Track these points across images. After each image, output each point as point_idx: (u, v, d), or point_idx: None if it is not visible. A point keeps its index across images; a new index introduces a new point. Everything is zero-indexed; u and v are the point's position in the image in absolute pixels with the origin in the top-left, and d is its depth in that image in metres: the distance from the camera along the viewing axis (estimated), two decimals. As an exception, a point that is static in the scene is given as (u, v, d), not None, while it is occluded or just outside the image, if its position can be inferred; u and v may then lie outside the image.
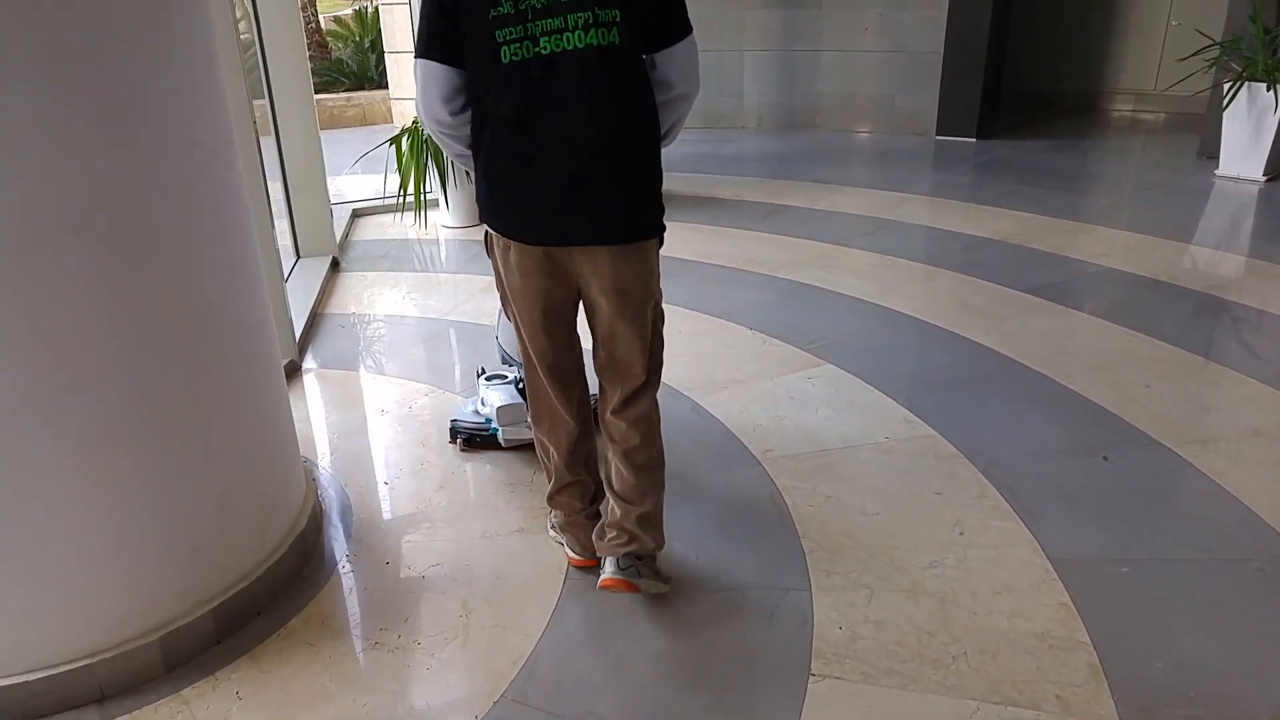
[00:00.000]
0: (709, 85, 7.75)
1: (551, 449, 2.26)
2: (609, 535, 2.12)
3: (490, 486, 2.70)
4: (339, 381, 3.46)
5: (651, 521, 2.12)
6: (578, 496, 2.28)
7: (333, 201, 5.75)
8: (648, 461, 2.13)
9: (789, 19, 7.57)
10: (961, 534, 2.37)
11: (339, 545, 2.46)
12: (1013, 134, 7.45)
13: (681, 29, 1.91)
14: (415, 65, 1.94)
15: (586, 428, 2.26)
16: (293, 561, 2.32)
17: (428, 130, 2.04)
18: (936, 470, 2.67)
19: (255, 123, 3.25)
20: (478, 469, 2.80)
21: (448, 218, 5.34)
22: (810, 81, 7.69)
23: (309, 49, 10.38)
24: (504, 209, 1.96)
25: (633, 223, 1.97)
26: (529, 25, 1.79)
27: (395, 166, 5.05)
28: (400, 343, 3.83)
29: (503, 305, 2.23)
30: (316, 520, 2.49)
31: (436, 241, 5.25)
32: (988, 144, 7.13)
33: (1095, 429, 2.87)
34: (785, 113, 7.86)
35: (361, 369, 3.56)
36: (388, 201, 5.46)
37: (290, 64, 4.45)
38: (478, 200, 2.03)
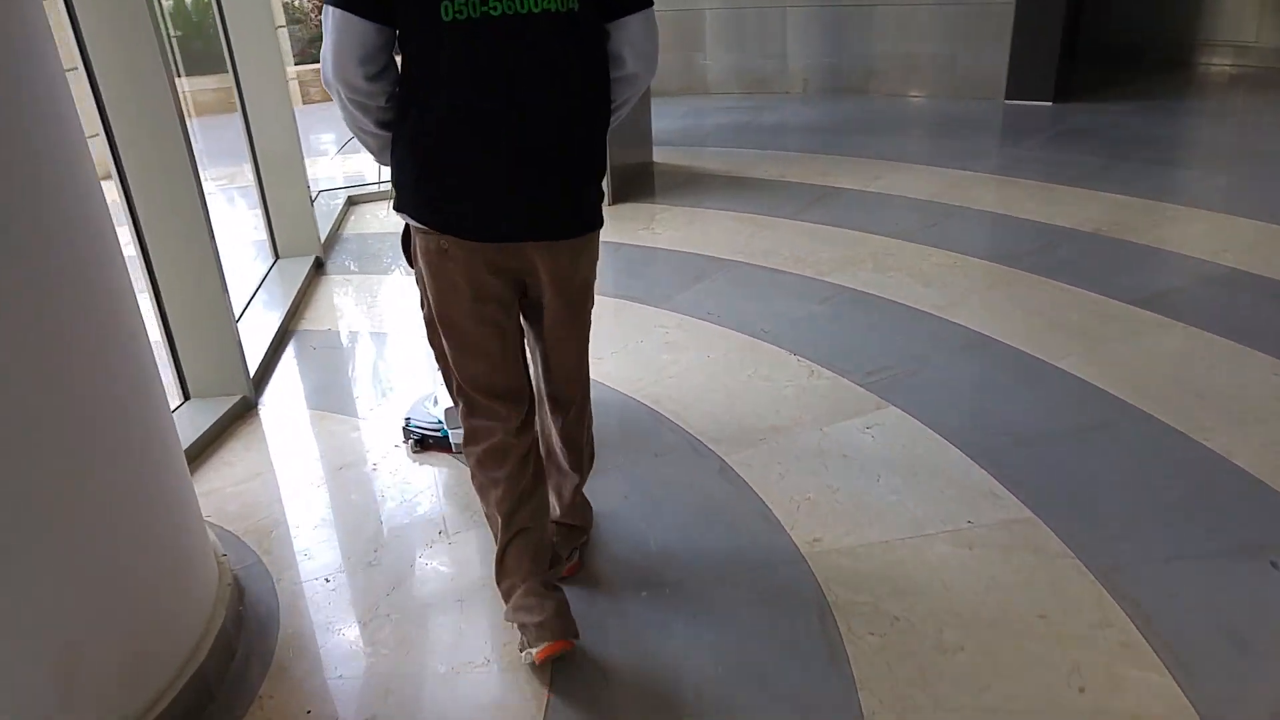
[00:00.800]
0: (748, 46, 7.01)
1: (493, 490, 1.88)
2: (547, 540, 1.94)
3: (459, 587, 2.11)
4: (297, 425, 2.89)
5: (585, 507, 2.14)
6: (529, 554, 1.86)
7: (323, 188, 5.18)
8: (581, 439, 2.02)
9: (838, -31, 6.77)
10: (1082, 690, 1.72)
11: (253, 679, 1.89)
12: (1094, 96, 6.59)
13: (638, 0, 1.66)
14: (326, 13, 1.56)
15: (537, 460, 1.92)
16: (187, 707, 1.75)
17: (332, 94, 1.66)
18: (1039, 577, 2.01)
19: (182, 106, 2.66)
20: (445, 559, 2.21)
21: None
22: (862, 40, 6.88)
23: (302, 12, 9.79)
24: (441, 198, 1.65)
25: (585, 213, 1.73)
26: None
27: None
28: (381, 371, 3.25)
29: (427, 327, 1.84)
30: (226, 646, 1.92)
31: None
32: (1065, 109, 6.29)
33: (1257, 518, 2.18)
34: (834, 76, 7.06)
35: (326, 408, 2.98)
36: (386, 186, 4.85)
37: (257, 30, 3.82)
38: (396, 186, 1.69)
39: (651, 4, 1.70)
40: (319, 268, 4.14)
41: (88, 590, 1.57)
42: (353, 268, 4.25)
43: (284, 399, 3.03)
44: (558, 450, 2.02)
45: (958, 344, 3.10)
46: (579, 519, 2.14)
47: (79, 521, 1.54)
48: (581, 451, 2.04)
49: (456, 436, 2.51)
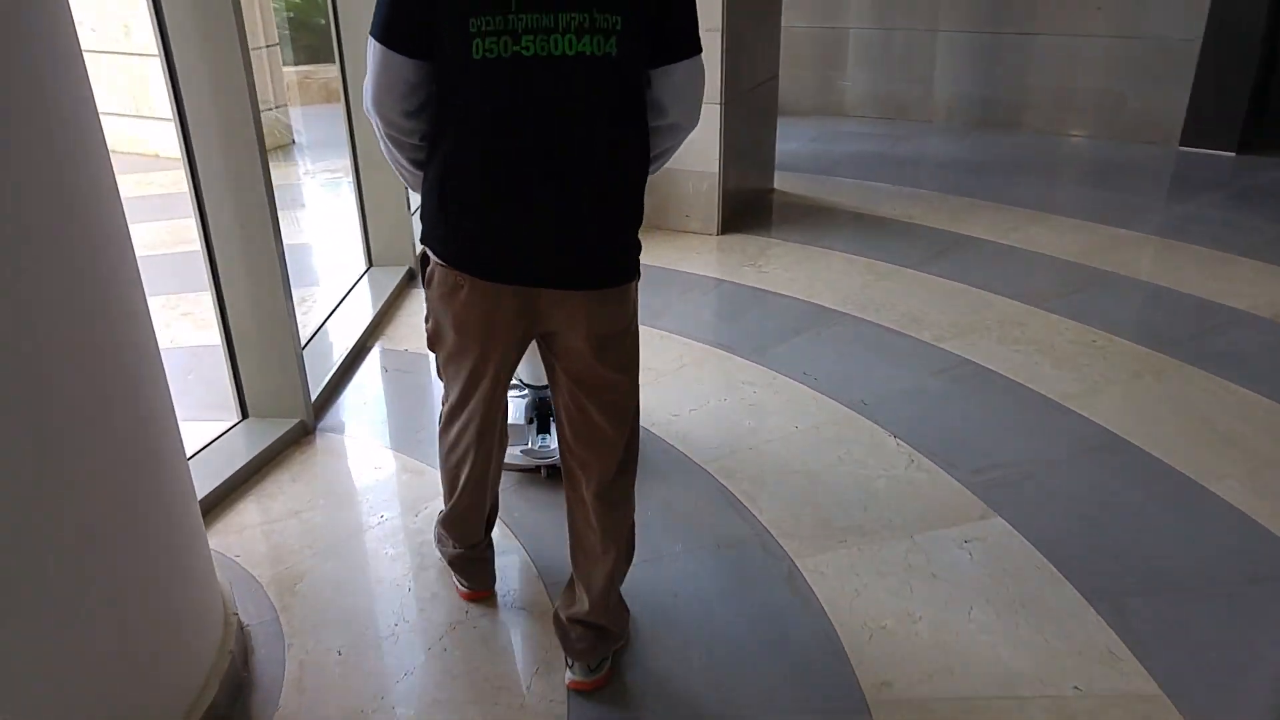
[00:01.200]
0: (892, 69, 6.58)
1: (450, 546, 2.11)
2: (574, 636, 1.86)
3: (473, 684, 1.89)
4: (352, 459, 2.75)
5: (616, 612, 1.90)
6: (473, 523, 2.05)
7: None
8: (613, 571, 1.84)
9: (999, -7, 6.25)
10: None
11: (236, 769, 1.73)
12: (1283, 149, 5.87)
13: (687, 47, 1.58)
14: (369, 47, 1.53)
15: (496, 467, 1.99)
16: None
17: (375, 128, 1.63)
18: (1159, 783, 1.64)
19: (278, 94, 2.57)
20: (467, 645, 1.99)
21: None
22: (1017, 71, 6.33)
23: None
24: (460, 236, 1.59)
25: (620, 265, 1.63)
26: (510, 18, 1.43)
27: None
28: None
29: (432, 350, 1.79)
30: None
31: None
32: (1251, 162, 5.60)
33: None
34: (982, 107, 6.54)
35: (382, 441, 2.83)
36: None
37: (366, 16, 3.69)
38: (422, 219, 1.65)
39: (699, 51, 1.61)
40: (411, 280, 4.03)
41: (56, 647, 1.42)
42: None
43: (345, 426, 2.90)
44: (587, 530, 1.82)
45: (1088, 445, 2.69)
46: (611, 621, 1.88)
47: (56, 566, 1.39)
48: (616, 538, 1.82)
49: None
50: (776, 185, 5.19)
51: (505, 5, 1.42)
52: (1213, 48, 5.59)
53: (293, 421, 2.77)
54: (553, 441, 2.42)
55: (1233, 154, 5.69)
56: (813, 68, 6.71)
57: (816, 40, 6.75)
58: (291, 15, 7.97)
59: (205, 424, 2.74)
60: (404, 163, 1.66)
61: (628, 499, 1.83)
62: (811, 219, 4.73)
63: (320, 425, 2.88)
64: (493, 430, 1.87)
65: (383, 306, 3.68)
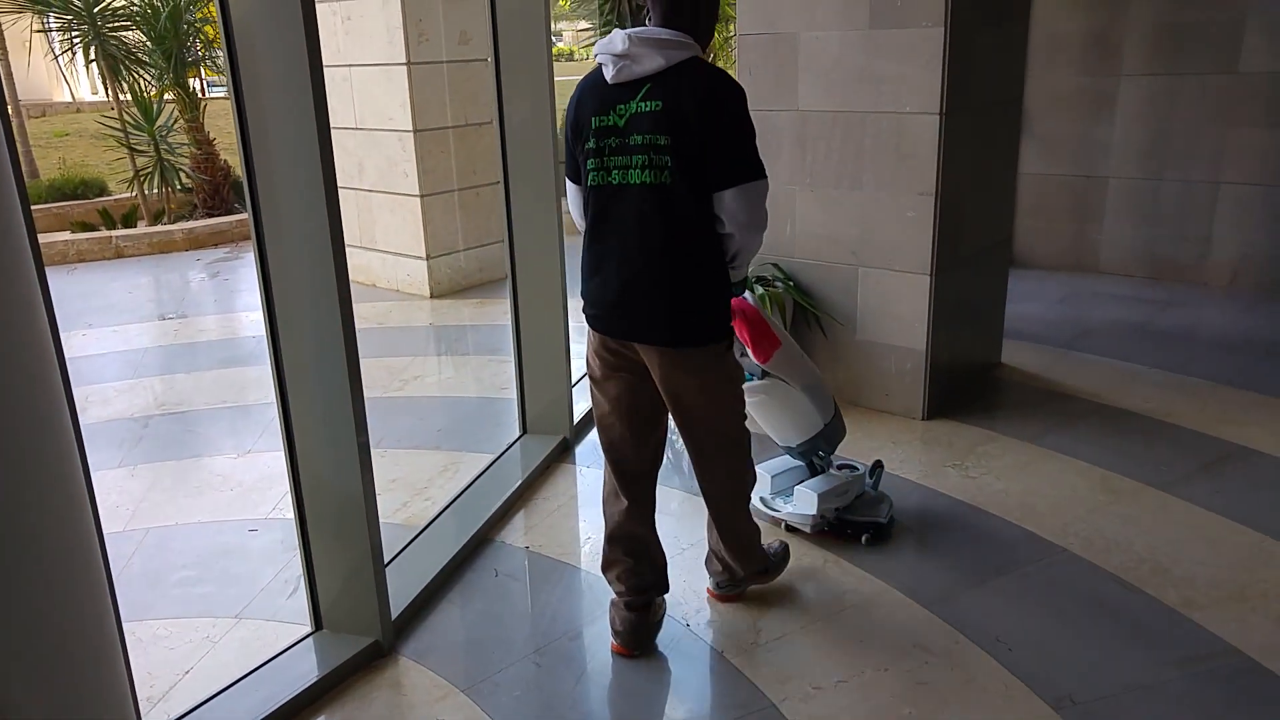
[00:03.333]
0: (1161, 221, 5.75)
1: (605, 528, 2.58)
2: (707, 558, 2.75)
3: None
4: (423, 698, 2.44)
5: (741, 558, 2.63)
6: (616, 576, 2.56)
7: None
8: (733, 526, 2.60)
9: (1300, 141, 5.27)
10: None
11: None
12: None
13: (733, 177, 2.16)
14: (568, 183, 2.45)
15: (641, 518, 2.55)
16: None
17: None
18: None
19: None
20: None
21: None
22: (1324, 232, 5.28)
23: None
24: (585, 299, 2.35)
25: (678, 331, 2.25)
26: (605, 159, 2.22)
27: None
28: (564, 627, 2.78)
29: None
30: None
31: None
32: None
33: None
34: (1274, 273, 5.48)
35: (470, 678, 2.49)
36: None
37: (530, 129, 3.50)
38: None
39: (749, 179, 2.17)
40: (564, 449, 3.83)
41: None
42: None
43: (428, 650, 2.61)
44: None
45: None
46: (736, 561, 2.65)
47: None
48: (720, 528, 2.62)
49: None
50: (1005, 359, 4.55)
51: (603, 152, 2.22)
52: None
53: (367, 641, 2.55)
54: (787, 508, 3.09)
55: None
56: (1064, 219, 5.98)
57: (1067, 189, 6.02)
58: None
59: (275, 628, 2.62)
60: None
61: (732, 493, 2.58)
62: (1043, 407, 4.05)
63: (399, 648, 2.61)
64: (625, 466, 2.52)
65: (515, 489, 3.44)
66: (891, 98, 3.65)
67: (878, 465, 3.21)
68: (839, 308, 4.02)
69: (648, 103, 2.15)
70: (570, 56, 18.54)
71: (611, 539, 2.55)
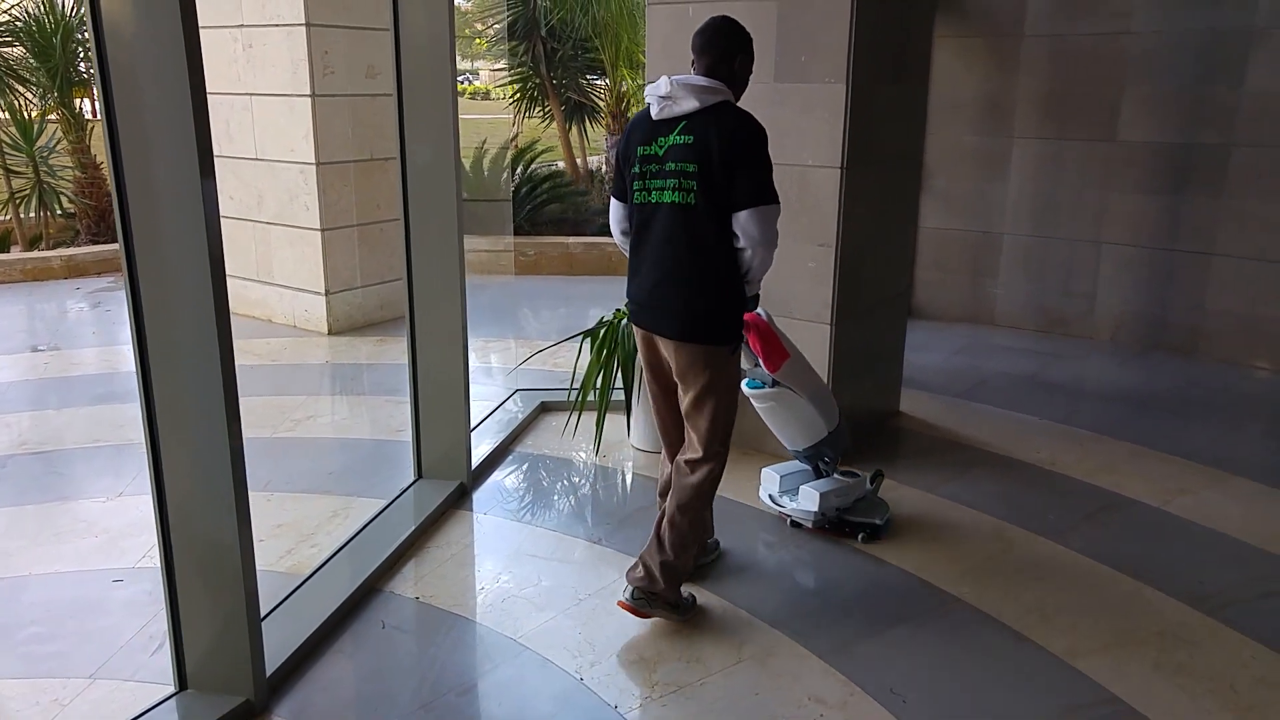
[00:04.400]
0: (1049, 278, 6.02)
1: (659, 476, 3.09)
2: (633, 566, 2.87)
3: None
4: None
5: (665, 570, 2.77)
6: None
7: (521, 386, 4.85)
8: (677, 520, 2.79)
9: (1171, 208, 5.58)
10: None
11: None
12: None
13: (750, 201, 2.57)
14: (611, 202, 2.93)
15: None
16: None
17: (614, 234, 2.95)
18: None
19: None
20: None
21: (640, 433, 4.17)
22: (1193, 292, 5.59)
23: (583, 171, 10.09)
24: (628, 296, 2.85)
25: (686, 328, 2.68)
26: (647, 181, 2.68)
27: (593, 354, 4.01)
28: (449, 683, 2.66)
29: None
30: None
31: (614, 473, 4.05)
32: None
33: None
34: (1152, 329, 5.79)
35: None
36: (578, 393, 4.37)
37: (433, 168, 3.44)
38: None
39: (763, 203, 2.58)
40: (461, 496, 3.71)
41: None
42: (497, 501, 3.72)
43: (305, 708, 2.45)
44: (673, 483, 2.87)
45: None
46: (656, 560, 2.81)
47: None
48: (677, 502, 2.81)
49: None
50: (904, 407, 4.65)
51: (646, 175, 2.66)
52: None
53: (238, 700, 2.37)
54: (791, 504, 3.38)
55: None
56: (962, 272, 6.20)
57: (965, 243, 6.27)
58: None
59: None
60: (626, 252, 2.87)
61: (695, 485, 2.78)
62: (938, 456, 4.14)
63: (274, 709, 2.43)
64: (665, 422, 2.99)
65: (408, 536, 3.30)
66: (794, 150, 3.72)
67: (879, 474, 3.51)
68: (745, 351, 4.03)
69: (682, 136, 2.59)
70: (486, 95, 18.49)
71: (662, 494, 3.00)
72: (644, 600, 2.76)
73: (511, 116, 10.10)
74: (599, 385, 3.96)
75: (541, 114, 10.12)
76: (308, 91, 5.60)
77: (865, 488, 3.42)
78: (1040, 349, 5.80)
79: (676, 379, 2.77)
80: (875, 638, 2.79)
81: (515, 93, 9.93)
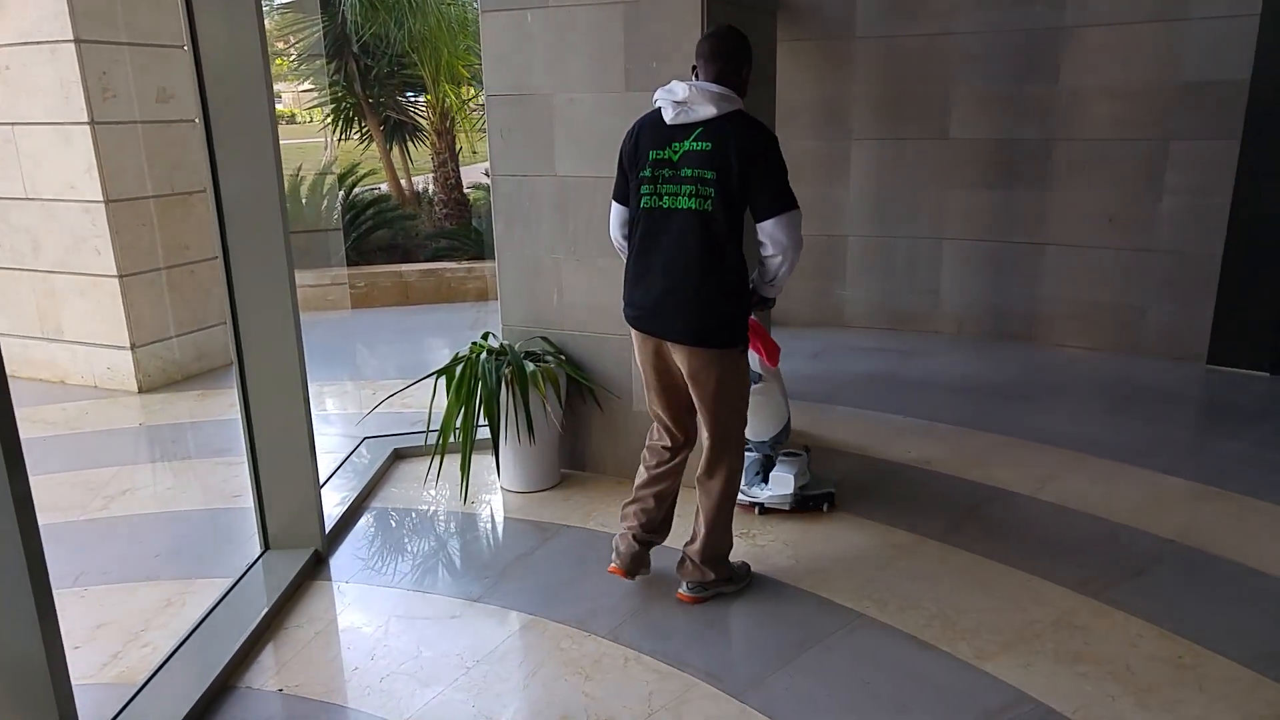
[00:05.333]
0: (895, 278, 6.17)
1: (641, 467, 3.07)
2: (680, 562, 3.04)
3: None
4: None
5: (712, 563, 2.97)
6: (633, 513, 3.03)
7: (370, 433, 4.45)
8: (712, 518, 2.94)
9: (1003, 202, 5.85)
10: None
11: None
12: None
13: (775, 209, 2.64)
14: (612, 205, 2.93)
15: (669, 477, 3.02)
16: None
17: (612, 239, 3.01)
18: None
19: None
20: None
21: (511, 474, 3.88)
22: (1028, 281, 5.89)
23: (440, 204, 9.65)
24: (627, 303, 2.85)
25: (697, 333, 2.72)
26: (658, 186, 2.70)
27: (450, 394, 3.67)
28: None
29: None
30: None
31: (486, 521, 3.73)
32: (1293, 383, 5.06)
33: None
34: (994, 320, 6.04)
35: None
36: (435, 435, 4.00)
37: (253, 198, 3.06)
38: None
39: (788, 209, 2.64)
40: (316, 563, 3.31)
41: None
42: (356, 566, 3.33)
43: None
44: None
45: None
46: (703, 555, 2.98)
47: None
48: (705, 489, 2.95)
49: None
50: (771, 416, 4.57)
51: (656, 180, 2.68)
52: (1235, 262, 5.15)
53: None
54: (766, 492, 3.55)
55: (1266, 374, 5.16)
56: (811, 277, 6.25)
57: (813, 247, 6.33)
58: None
59: None
60: (624, 256, 2.89)
61: (721, 487, 2.91)
62: (813, 466, 4.06)
63: None
64: (664, 422, 2.97)
65: (261, 620, 2.91)
66: (650, 162, 3.56)
67: (807, 448, 3.79)
68: (613, 380, 3.84)
69: (699, 143, 2.62)
70: (292, 119, 17.45)
71: (642, 486, 3.02)
72: (700, 588, 2.99)
73: (325, 140, 9.51)
74: (460, 427, 3.64)
75: (360, 135, 9.59)
76: (84, 119, 4.94)
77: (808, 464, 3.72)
78: (893, 347, 5.92)
79: (688, 379, 2.80)
80: (787, 667, 2.65)
81: (329, 115, 9.35)
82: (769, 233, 2.64)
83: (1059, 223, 5.69)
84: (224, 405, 5.06)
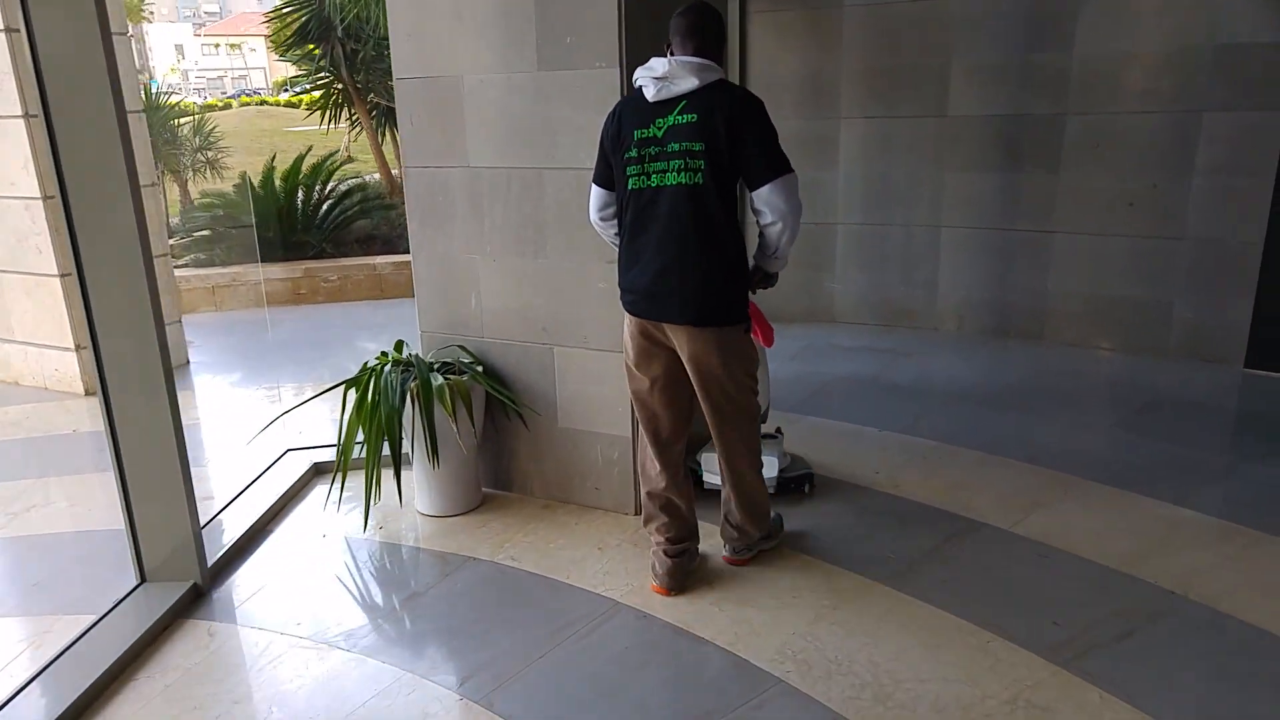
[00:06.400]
0: (889, 269, 5.66)
1: (643, 489, 2.99)
2: (722, 528, 3.05)
3: None
4: None
5: (753, 521, 2.99)
6: (656, 529, 2.94)
7: (292, 445, 4.12)
8: (745, 480, 2.93)
9: (1009, 186, 5.29)
10: None
11: None
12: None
13: (769, 174, 2.53)
14: (591, 187, 2.82)
15: (674, 480, 2.91)
16: None
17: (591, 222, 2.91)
18: None
19: None
20: None
21: (425, 497, 3.52)
22: (1035, 274, 5.32)
23: (384, 193, 9.23)
24: (623, 289, 2.75)
25: (698, 311, 2.62)
26: (646, 165, 2.60)
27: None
28: None
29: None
30: None
31: (385, 553, 3.32)
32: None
33: None
34: (996, 315, 5.50)
35: None
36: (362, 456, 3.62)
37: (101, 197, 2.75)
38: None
39: (782, 174, 2.54)
40: (195, 598, 2.99)
41: None
42: (253, 610, 2.97)
43: None
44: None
45: None
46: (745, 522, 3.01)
47: None
48: (730, 481, 2.96)
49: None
50: (734, 428, 4.14)
51: (643, 159, 2.60)
52: (1278, 251, 4.56)
53: None
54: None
55: (1317, 379, 4.57)
56: (796, 268, 5.76)
57: (800, 237, 5.86)
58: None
59: None
60: (608, 239, 2.91)
61: (739, 453, 2.90)
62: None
63: None
64: (658, 434, 2.89)
65: (120, 659, 2.61)
66: (569, 151, 3.15)
67: (779, 430, 3.69)
68: (538, 393, 3.45)
69: (684, 116, 2.54)
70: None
71: (650, 495, 2.95)
72: (745, 549, 3.05)
73: (322, 128, 9.21)
74: (365, 446, 3.29)
75: (350, 123, 9.27)
76: (19, 111, 4.70)
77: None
78: (883, 346, 5.42)
79: (694, 367, 2.69)
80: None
81: (318, 100, 9.04)
82: (766, 199, 2.54)
83: (1071, 208, 5.12)
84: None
